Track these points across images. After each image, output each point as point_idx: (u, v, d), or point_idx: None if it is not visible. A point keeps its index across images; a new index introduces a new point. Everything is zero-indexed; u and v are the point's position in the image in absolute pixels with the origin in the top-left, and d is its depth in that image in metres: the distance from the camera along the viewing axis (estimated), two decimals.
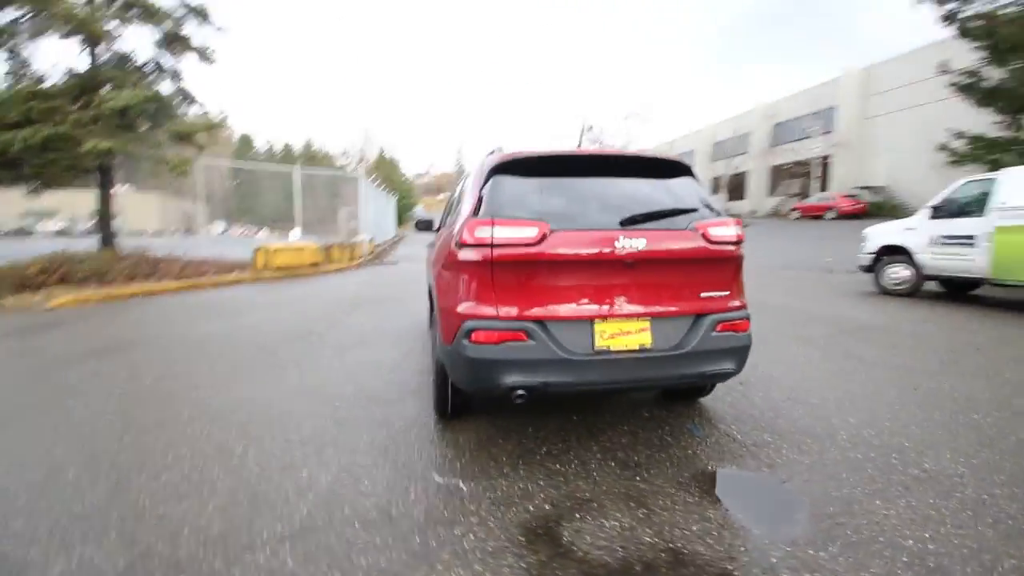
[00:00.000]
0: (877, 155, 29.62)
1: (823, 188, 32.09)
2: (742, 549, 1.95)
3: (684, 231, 2.59)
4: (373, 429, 3.02)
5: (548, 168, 2.75)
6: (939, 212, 8.04)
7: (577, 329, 2.47)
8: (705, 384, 3.12)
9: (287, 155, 58.19)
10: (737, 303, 2.70)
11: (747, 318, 2.71)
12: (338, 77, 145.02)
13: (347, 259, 14.86)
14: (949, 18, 14.15)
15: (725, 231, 2.64)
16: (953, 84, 14.13)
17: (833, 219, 27.25)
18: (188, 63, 14.66)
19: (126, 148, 9.76)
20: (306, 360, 4.54)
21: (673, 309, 2.57)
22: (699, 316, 2.60)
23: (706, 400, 3.43)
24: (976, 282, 7.51)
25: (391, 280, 11.11)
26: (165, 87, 11.47)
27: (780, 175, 36.73)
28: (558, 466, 2.61)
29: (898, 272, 8.27)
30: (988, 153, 12.71)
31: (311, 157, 55.84)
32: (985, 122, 13.73)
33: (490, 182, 2.72)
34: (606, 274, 2.50)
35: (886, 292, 8.34)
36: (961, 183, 8.01)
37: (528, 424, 3.09)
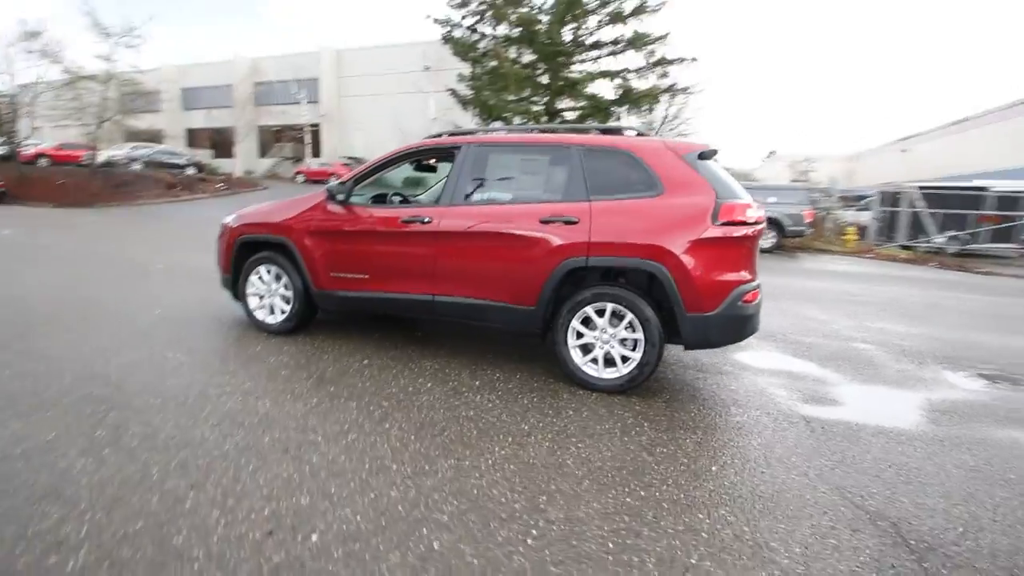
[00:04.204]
0: (355, 131, 34.78)
1: (315, 155, 34.80)
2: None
3: None
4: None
5: (706, 157, 3.35)
6: None
7: None
8: None
9: None
10: None
11: None
12: None
13: None
14: (447, 40, 19.01)
15: None
16: (451, 89, 19.28)
17: None
18: None
19: None
20: None
21: None
22: None
23: None
24: None
25: None
26: None
27: (270, 137, 36.88)
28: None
29: None
30: None
31: None
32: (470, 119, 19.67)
33: (701, 168, 3.09)
34: None
35: None
36: None
37: None
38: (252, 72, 35.12)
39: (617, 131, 3.54)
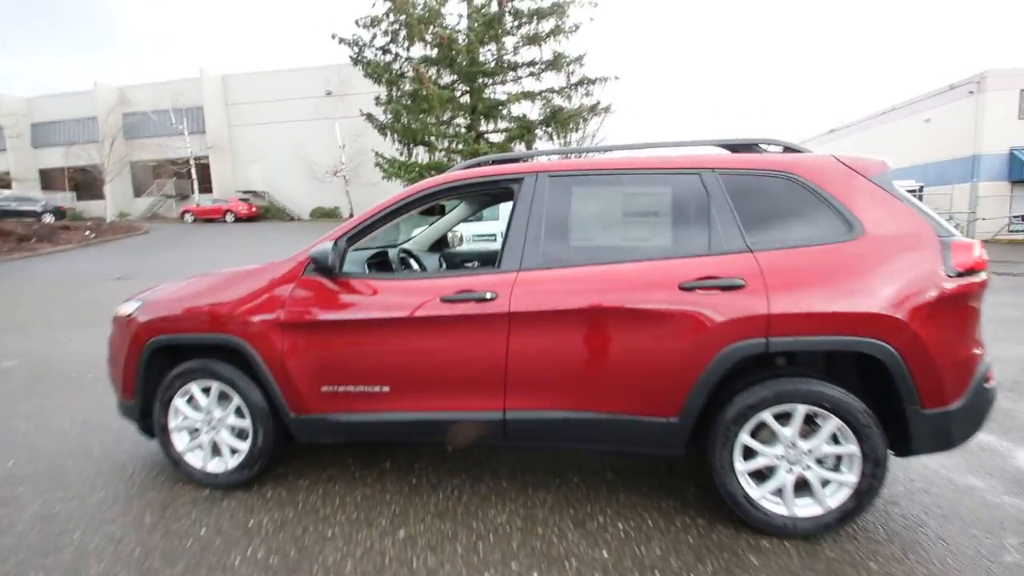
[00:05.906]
0: (251, 162, 31.53)
1: (203, 190, 31.01)
2: None
3: None
4: None
5: None
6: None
7: None
8: None
9: None
10: None
11: None
12: None
13: None
14: (357, 61, 17.45)
15: None
16: (367, 114, 17.66)
17: (233, 222, 27.23)
18: None
19: None
20: None
21: None
22: None
23: None
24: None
25: None
26: None
27: (148, 173, 32.41)
28: None
29: None
30: (406, 172, 16.96)
31: None
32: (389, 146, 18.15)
33: (899, 193, 2.15)
34: None
35: None
36: None
37: None
38: (120, 103, 30.71)
39: (751, 146, 2.46)
